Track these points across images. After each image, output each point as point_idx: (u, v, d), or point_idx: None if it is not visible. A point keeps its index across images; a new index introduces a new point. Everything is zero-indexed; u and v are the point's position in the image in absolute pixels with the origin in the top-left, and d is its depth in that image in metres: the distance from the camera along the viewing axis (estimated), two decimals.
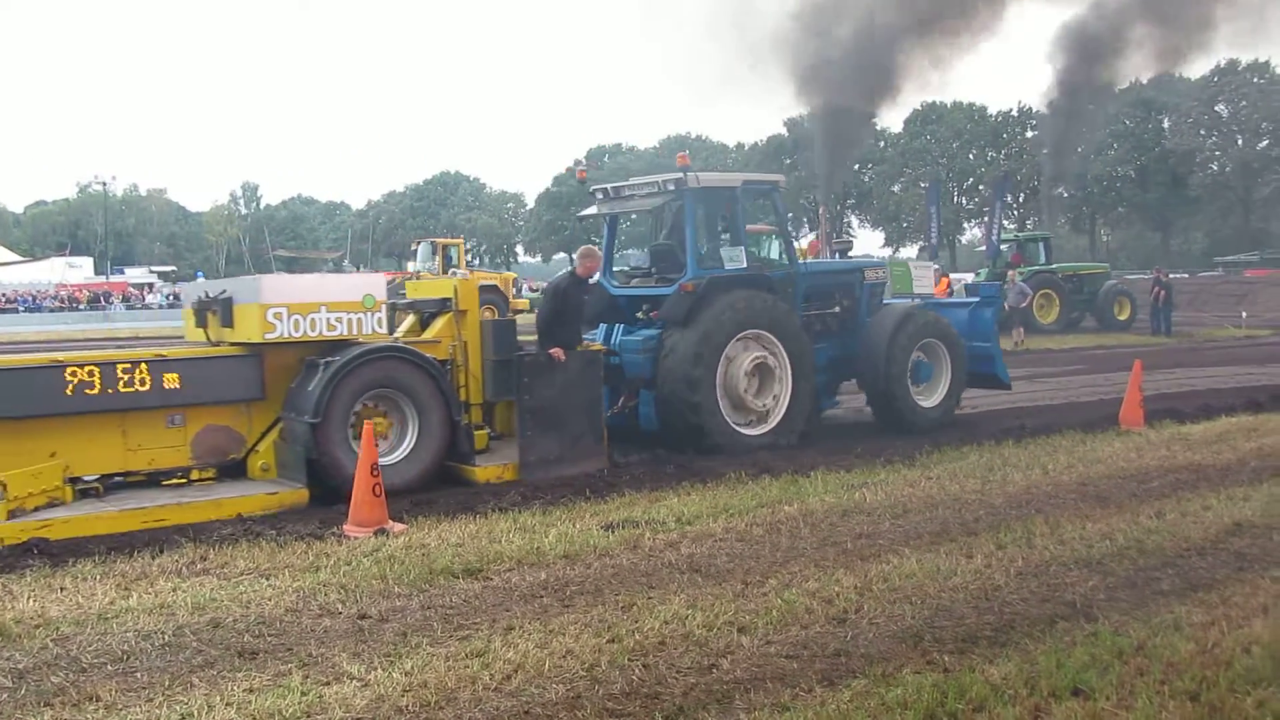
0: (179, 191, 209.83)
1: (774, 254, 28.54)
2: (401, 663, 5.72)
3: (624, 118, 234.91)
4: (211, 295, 10.44)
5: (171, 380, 9.60)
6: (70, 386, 9.16)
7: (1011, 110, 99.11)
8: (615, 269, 13.96)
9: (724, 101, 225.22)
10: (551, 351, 11.02)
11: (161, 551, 8.02)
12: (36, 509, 8.87)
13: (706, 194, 12.87)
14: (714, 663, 5.67)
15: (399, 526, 8.68)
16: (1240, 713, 4.86)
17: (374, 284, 10.86)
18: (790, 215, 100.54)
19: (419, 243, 46.40)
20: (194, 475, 9.93)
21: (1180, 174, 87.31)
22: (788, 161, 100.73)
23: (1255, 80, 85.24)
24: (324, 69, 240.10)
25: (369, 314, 10.34)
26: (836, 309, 14.12)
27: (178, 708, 5.19)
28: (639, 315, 12.99)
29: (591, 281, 12.15)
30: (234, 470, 10.18)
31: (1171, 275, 44.13)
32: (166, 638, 6.14)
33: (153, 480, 9.77)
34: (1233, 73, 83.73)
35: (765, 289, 12.76)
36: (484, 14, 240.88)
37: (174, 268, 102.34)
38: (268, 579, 7.34)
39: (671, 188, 12.47)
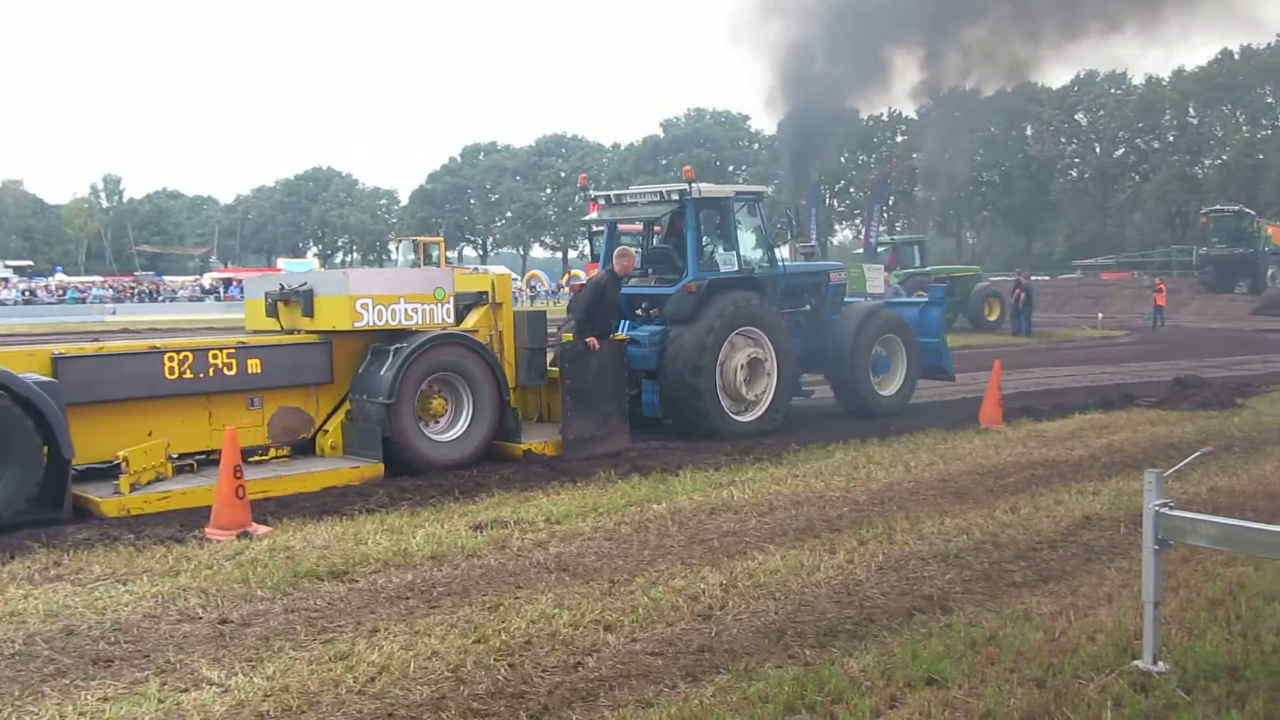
0: (36, 183, 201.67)
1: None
2: (263, 667, 5.64)
3: (498, 115, 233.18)
4: (290, 287, 11.41)
5: (254, 365, 10.60)
6: (167, 370, 10.07)
7: (882, 115, 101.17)
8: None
9: (600, 101, 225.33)
10: (588, 340, 12.20)
11: (12, 557, 7.77)
12: (149, 483, 9.61)
13: (706, 203, 13.93)
14: (580, 661, 5.70)
15: (263, 529, 8.53)
16: (1083, 697, 5.05)
17: (443, 278, 11.96)
18: None
19: (400, 241, 46.40)
20: (272, 453, 10.88)
21: (1042, 180, 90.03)
22: (663, 162, 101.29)
23: (1112, 91, 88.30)
24: (190, 58, 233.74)
25: (439, 305, 11.45)
26: (807, 307, 15.40)
27: (28, 718, 5.03)
28: (638, 312, 13.85)
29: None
30: (304, 448, 11.18)
31: (1033, 277, 45.53)
32: (17, 646, 5.96)
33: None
34: (1091, 83, 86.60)
35: (755, 290, 13.88)
36: (356, 7, 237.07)
37: (30, 262, 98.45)
38: (125, 584, 7.16)
39: (675, 197, 13.67)
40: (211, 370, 10.30)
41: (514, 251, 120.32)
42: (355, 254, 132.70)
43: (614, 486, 10.17)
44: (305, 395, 11.10)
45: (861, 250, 49.15)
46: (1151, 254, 70.18)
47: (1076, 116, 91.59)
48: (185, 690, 5.37)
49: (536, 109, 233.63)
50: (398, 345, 10.96)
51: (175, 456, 10.09)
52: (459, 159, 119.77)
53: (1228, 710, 4.91)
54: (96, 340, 12.52)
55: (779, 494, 9.81)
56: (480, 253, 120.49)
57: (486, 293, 12.57)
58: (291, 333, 11.42)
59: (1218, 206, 56.47)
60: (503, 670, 5.56)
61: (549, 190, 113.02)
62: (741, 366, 13.32)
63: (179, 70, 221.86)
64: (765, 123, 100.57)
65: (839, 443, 12.43)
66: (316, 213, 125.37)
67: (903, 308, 16.77)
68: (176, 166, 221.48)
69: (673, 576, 7.20)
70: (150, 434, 9.96)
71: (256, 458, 10.63)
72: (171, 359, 10.07)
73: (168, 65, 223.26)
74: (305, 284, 11.35)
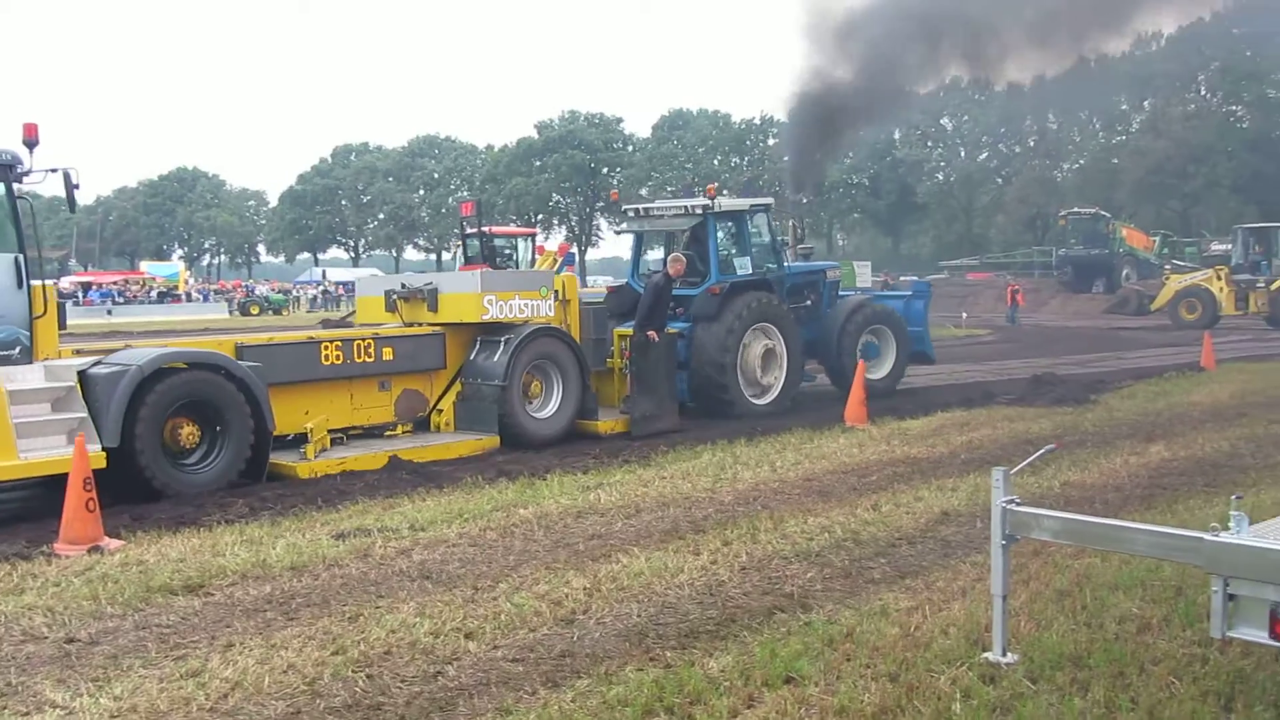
0: None
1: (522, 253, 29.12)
2: (110, 687, 5.45)
3: (369, 116, 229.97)
4: (414, 286, 13.27)
5: (388, 353, 12.34)
6: (323, 358, 11.73)
7: (754, 118, 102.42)
8: (641, 274, 16.74)
9: (472, 103, 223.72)
10: (649, 333, 13.77)
11: None
12: (320, 452, 11.34)
13: (724, 216, 15.97)
14: (440, 670, 5.64)
15: (115, 543, 8.26)
16: (934, 690, 5.16)
17: (546, 278, 14.14)
18: (541, 217, 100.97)
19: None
20: (399, 429, 12.66)
21: (909, 183, 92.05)
22: (537, 163, 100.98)
23: (976, 97, 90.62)
24: (44, 52, 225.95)
25: (543, 300, 13.44)
26: (808, 303, 17.31)
27: None
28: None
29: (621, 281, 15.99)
30: (420, 425, 12.98)
31: (901, 278, 46.44)
32: None
33: (368, 433, 12.44)
34: (956, 89, 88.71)
35: (768, 290, 15.76)
36: (221, 6, 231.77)
37: None
38: None
39: (699, 211, 15.55)
40: (355, 357, 12.00)
41: (387, 254, 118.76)
42: (223, 256, 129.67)
43: (480, 492, 10.10)
44: (424, 379, 12.92)
45: None
46: (1014, 255, 72.27)
47: (942, 121, 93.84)
48: (26, 714, 5.17)
49: (408, 109, 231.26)
50: (506, 336, 12.86)
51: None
52: (329, 160, 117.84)
53: (1070, 698, 5.06)
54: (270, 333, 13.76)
55: (646, 496, 9.84)
56: (352, 255, 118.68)
57: (558, 291, 14.19)
58: (412, 325, 13.10)
59: (1075, 209, 58.39)
60: (360, 682, 5.47)
61: (422, 191, 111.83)
62: (758, 357, 15.32)
63: (32, 64, 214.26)
64: (639, 125, 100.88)
65: (707, 444, 12.54)
66: (182, 214, 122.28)
67: (889, 301, 18.98)
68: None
69: (536, 581, 7.17)
70: (306, 412, 11.53)
71: (388, 433, 12.52)
72: (326, 348, 11.81)
73: (20, 58, 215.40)
74: (430, 283, 13.23)
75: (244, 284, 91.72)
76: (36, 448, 9.27)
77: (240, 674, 5.56)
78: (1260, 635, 4.67)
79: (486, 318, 12.85)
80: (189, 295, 73.30)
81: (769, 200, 17.04)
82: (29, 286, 9.89)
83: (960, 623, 6.11)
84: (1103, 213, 56.28)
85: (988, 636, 5.71)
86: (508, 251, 30.47)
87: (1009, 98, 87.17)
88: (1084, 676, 5.33)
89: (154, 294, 71.34)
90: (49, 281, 10.35)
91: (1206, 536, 4.75)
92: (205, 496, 9.83)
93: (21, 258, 9.87)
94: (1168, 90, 77.98)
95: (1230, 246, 41.01)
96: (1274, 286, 36.11)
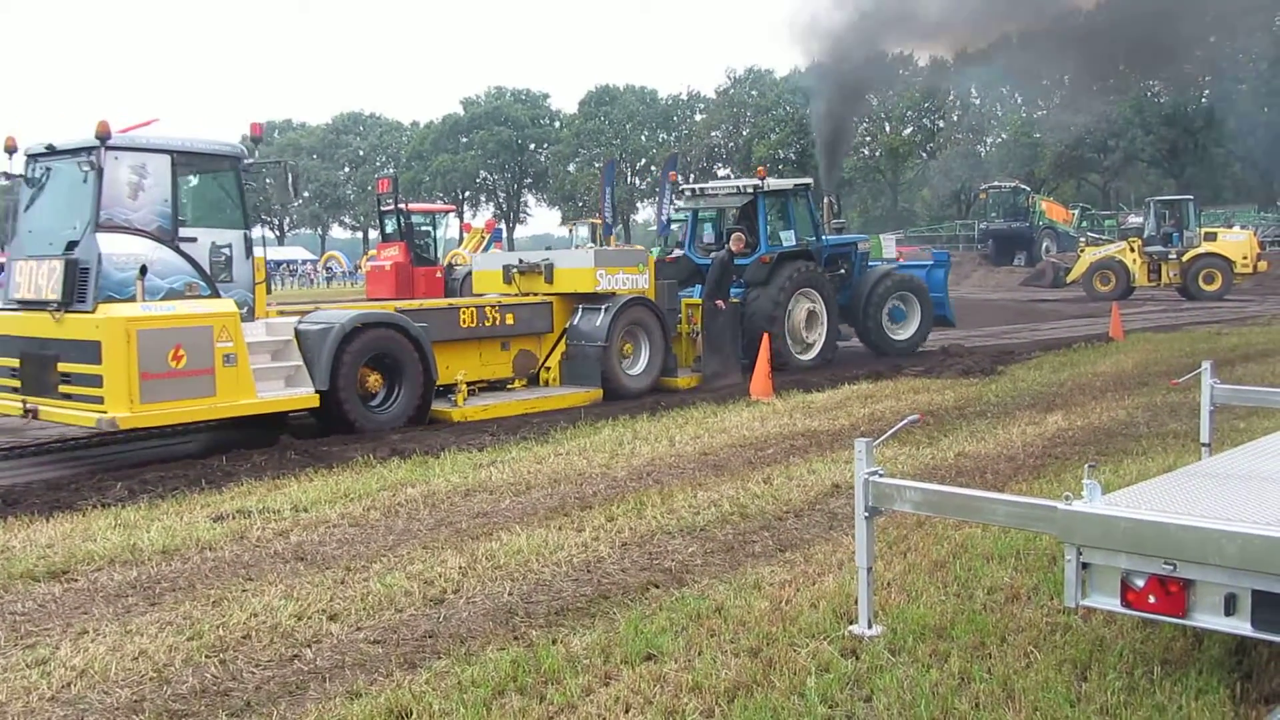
0: None
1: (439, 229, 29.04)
2: None
3: (293, 92, 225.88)
4: (531, 261, 15.26)
5: (510, 318, 14.27)
6: (461, 321, 13.63)
7: (681, 94, 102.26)
8: (696, 245, 18.90)
9: (398, 79, 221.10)
10: (717, 302, 16.00)
11: None
12: (466, 399, 13.29)
13: (772, 194, 18.09)
14: (297, 653, 5.51)
15: None
16: (792, 664, 5.11)
17: (642, 256, 16.30)
18: (468, 194, 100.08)
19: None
20: (516, 384, 14.59)
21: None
22: (464, 140, 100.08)
23: (901, 72, 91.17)
24: None
25: (640, 274, 15.33)
26: (841, 271, 19.31)
27: None
28: None
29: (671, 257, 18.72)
30: (530, 380, 14.83)
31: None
32: None
33: (491, 386, 14.36)
34: (881, 64, 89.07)
35: (809, 259, 17.85)
36: None
37: None
38: None
39: (751, 190, 17.72)
40: (486, 321, 13.85)
41: (312, 232, 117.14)
42: None
43: (371, 471, 9.91)
44: (535, 341, 14.82)
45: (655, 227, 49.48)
46: (939, 229, 72.90)
47: (867, 96, 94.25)
48: None
49: (332, 86, 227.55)
50: (606, 304, 14.70)
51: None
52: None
53: (927, 669, 5.03)
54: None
55: (539, 473, 9.71)
56: (277, 234, 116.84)
57: None
58: (527, 295, 14.99)
59: (995, 183, 58.96)
60: (212, 667, 5.32)
61: (347, 169, 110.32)
62: (802, 317, 17.50)
63: None
64: (566, 102, 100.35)
65: (607, 420, 12.45)
66: None
67: (913, 270, 20.91)
68: None
69: (412, 561, 7.03)
70: (448, 367, 13.29)
71: (509, 387, 14.47)
72: (464, 312, 13.72)
73: None
74: (547, 259, 15.21)
75: None
76: (265, 390, 11.30)
77: (88, 662, 5.38)
78: (1112, 603, 4.68)
79: (599, 289, 14.70)
80: None
81: (809, 181, 19.23)
82: (252, 258, 11.79)
83: (831, 595, 6.07)
84: (1023, 186, 56.91)
85: (856, 609, 5.68)
86: (425, 228, 30.13)
87: (932, 74, 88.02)
88: (945, 648, 5.31)
89: None
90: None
91: (1059, 506, 4.73)
92: (81, 480, 9.63)
93: (248, 234, 11.83)
94: (1087, 65, 78.90)
95: (1144, 219, 41.58)
96: (1185, 258, 36.70)
